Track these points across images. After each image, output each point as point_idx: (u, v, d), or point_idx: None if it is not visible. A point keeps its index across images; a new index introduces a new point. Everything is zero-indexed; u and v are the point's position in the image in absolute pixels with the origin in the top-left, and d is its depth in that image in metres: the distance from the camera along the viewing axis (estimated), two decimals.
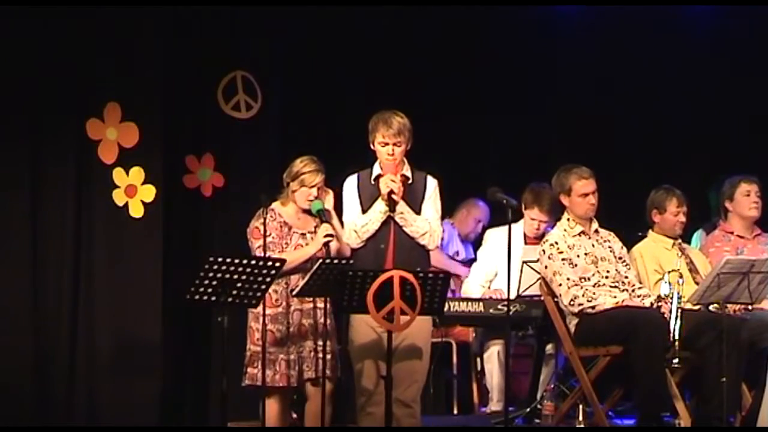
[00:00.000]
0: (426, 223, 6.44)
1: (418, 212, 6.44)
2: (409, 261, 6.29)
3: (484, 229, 8.60)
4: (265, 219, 6.97)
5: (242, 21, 8.47)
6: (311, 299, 6.90)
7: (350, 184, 6.55)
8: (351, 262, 6.56)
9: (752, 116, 9.53)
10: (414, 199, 6.45)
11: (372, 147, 6.46)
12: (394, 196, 6.34)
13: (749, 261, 7.02)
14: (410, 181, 6.47)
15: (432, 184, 6.54)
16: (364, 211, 6.42)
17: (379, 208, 6.37)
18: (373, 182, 6.46)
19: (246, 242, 7.06)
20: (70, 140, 7.93)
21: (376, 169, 6.47)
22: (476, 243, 8.69)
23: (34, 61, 7.80)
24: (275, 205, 7.11)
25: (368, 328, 6.33)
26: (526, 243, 7.92)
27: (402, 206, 6.38)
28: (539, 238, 7.77)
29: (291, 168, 7.09)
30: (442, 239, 8.67)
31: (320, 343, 6.87)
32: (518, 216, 7.90)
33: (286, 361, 6.94)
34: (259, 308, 6.89)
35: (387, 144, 6.39)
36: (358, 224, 6.41)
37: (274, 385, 6.94)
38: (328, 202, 7.01)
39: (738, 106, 9.63)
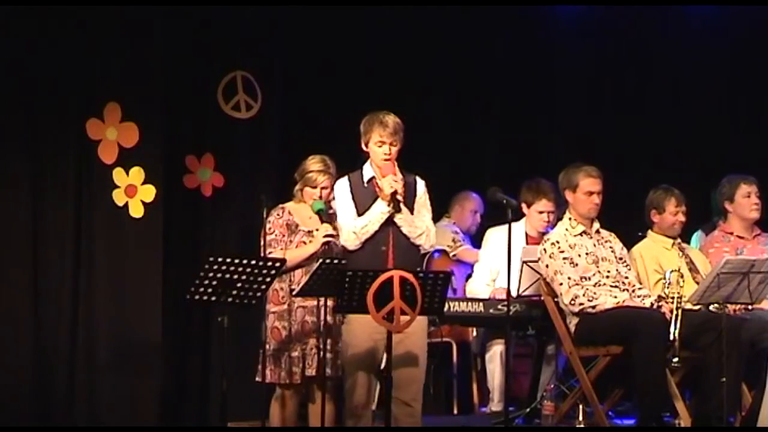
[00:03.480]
0: (423, 223, 6.43)
1: (411, 213, 6.42)
2: (408, 262, 6.27)
3: (483, 225, 8.59)
4: (264, 219, 6.98)
5: (242, 21, 8.47)
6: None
7: (342, 186, 6.47)
8: (344, 262, 6.52)
9: (752, 116, 9.53)
10: (408, 200, 6.43)
11: (365, 148, 6.41)
12: (398, 197, 6.31)
13: (749, 261, 7.02)
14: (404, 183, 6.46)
15: (422, 185, 6.53)
16: (359, 213, 6.37)
17: (380, 209, 6.32)
18: (366, 184, 6.41)
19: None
20: (70, 140, 7.93)
21: (368, 170, 6.43)
22: (475, 238, 8.70)
23: (34, 61, 7.80)
24: (289, 204, 7.12)
25: (365, 335, 6.29)
26: (528, 242, 7.91)
27: (402, 206, 6.36)
28: (544, 234, 7.75)
29: (301, 166, 7.09)
30: (461, 241, 8.70)
31: (326, 341, 6.87)
32: (519, 216, 7.90)
33: (290, 358, 6.96)
34: (269, 307, 6.91)
35: (384, 143, 6.34)
36: (357, 226, 6.33)
37: (279, 382, 6.96)
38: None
39: (738, 105, 9.63)
